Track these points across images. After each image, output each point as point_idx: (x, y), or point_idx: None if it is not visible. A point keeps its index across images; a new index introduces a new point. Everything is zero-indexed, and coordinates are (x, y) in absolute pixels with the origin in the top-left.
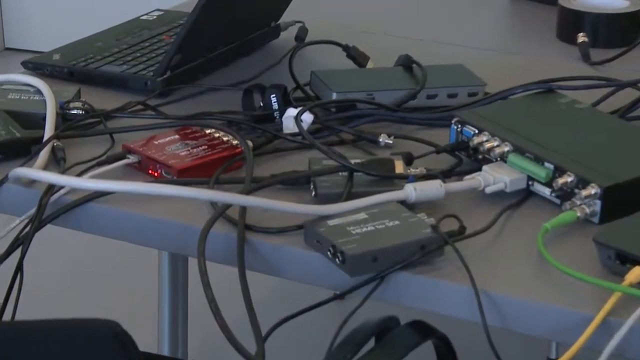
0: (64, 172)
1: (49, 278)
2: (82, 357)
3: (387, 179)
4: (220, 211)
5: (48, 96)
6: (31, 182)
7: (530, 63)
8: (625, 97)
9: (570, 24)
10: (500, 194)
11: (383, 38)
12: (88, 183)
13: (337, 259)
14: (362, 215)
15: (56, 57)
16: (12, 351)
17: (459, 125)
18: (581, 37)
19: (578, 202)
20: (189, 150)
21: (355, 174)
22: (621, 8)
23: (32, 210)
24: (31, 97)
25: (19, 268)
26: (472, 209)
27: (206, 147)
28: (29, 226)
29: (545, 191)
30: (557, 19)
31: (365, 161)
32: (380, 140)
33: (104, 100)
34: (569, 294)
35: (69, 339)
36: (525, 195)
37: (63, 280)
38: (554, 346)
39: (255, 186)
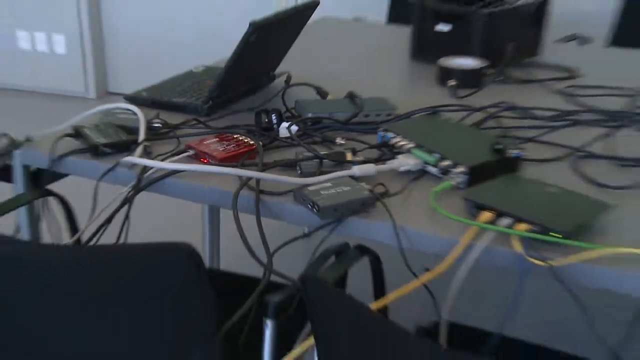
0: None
1: (143, 224)
2: (165, 270)
3: (342, 163)
4: (244, 182)
5: (140, 116)
6: (132, 166)
7: (422, 97)
8: (476, 116)
9: (445, 75)
10: (408, 173)
11: (336, 81)
12: (167, 165)
13: (314, 209)
14: (328, 184)
15: (144, 93)
16: (116, 265)
17: (383, 132)
18: (451, 82)
19: (453, 177)
20: (224, 147)
21: (323, 160)
22: (472, 65)
23: (133, 182)
24: (130, 117)
25: (127, 217)
26: (392, 181)
27: (234, 145)
28: (132, 191)
29: (434, 170)
30: (437, 72)
31: (328, 152)
32: (337, 141)
33: (173, 118)
34: (448, 229)
35: (157, 256)
36: (422, 173)
37: (151, 225)
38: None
39: (264, 167)
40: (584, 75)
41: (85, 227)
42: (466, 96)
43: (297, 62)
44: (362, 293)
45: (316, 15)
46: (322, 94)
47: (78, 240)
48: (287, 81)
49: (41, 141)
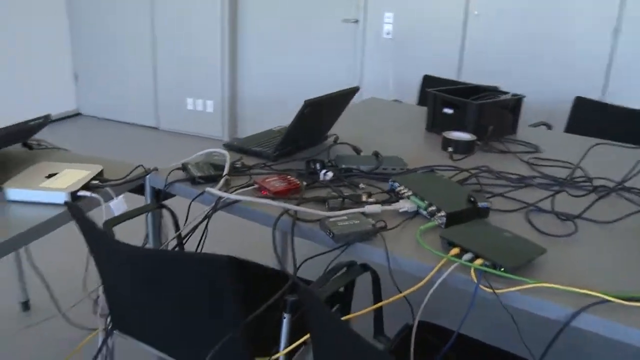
0: (228, 191)
1: (216, 235)
2: (209, 273)
3: (358, 202)
4: (284, 211)
5: (227, 158)
6: (214, 194)
7: (428, 158)
8: (463, 175)
9: (446, 143)
10: (405, 213)
11: (371, 142)
12: (230, 196)
13: (331, 235)
14: (344, 218)
15: (235, 142)
16: (178, 265)
17: (392, 182)
18: (449, 149)
19: (437, 218)
20: (280, 184)
21: (345, 199)
22: (466, 138)
23: (213, 204)
24: (222, 158)
25: (206, 227)
26: (393, 218)
27: (286, 183)
28: (211, 211)
29: (424, 213)
30: (441, 141)
31: (350, 194)
32: (360, 186)
33: (251, 161)
34: (426, 257)
35: (205, 263)
36: (416, 214)
37: (222, 234)
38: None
39: (303, 201)
40: (544, 151)
41: (179, 232)
42: (459, 160)
43: (346, 128)
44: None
45: (366, 95)
46: (357, 150)
47: (179, 237)
48: (335, 140)
49: (162, 171)
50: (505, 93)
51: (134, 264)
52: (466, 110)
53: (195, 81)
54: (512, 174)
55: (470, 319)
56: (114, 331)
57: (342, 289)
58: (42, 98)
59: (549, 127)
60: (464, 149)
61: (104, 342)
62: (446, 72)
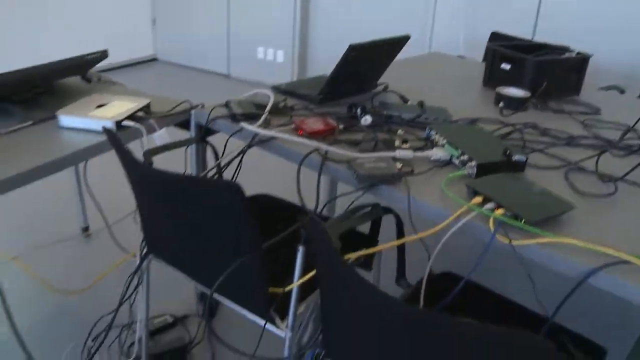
0: (266, 129)
1: (252, 173)
2: (223, 198)
3: (390, 148)
4: (314, 149)
5: (271, 98)
6: (249, 130)
7: (477, 112)
8: (506, 130)
9: (498, 98)
10: (436, 161)
11: (422, 95)
12: (268, 131)
13: (355, 175)
14: (372, 160)
15: (283, 85)
16: (193, 189)
17: (429, 130)
18: (501, 104)
19: (467, 168)
20: (316, 125)
21: (378, 143)
22: (519, 94)
23: (249, 141)
24: (265, 98)
25: (240, 161)
26: (422, 166)
27: (324, 124)
28: (247, 146)
29: (456, 162)
30: (494, 96)
31: (383, 139)
32: (398, 132)
33: (295, 103)
34: (450, 205)
35: (218, 189)
36: (448, 163)
37: (254, 169)
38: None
39: (335, 142)
40: (606, 114)
41: (218, 162)
42: (508, 115)
43: (400, 79)
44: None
45: (431, 49)
46: (404, 99)
47: (218, 167)
48: (384, 89)
49: (207, 108)
50: (571, 51)
51: (161, 189)
52: (524, 66)
53: (266, 30)
54: (560, 131)
55: (493, 273)
56: (149, 255)
57: (367, 233)
58: (121, 42)
59: (621, 91)
60: (515, 105)
61: (139, 264)
62: (520, 31)
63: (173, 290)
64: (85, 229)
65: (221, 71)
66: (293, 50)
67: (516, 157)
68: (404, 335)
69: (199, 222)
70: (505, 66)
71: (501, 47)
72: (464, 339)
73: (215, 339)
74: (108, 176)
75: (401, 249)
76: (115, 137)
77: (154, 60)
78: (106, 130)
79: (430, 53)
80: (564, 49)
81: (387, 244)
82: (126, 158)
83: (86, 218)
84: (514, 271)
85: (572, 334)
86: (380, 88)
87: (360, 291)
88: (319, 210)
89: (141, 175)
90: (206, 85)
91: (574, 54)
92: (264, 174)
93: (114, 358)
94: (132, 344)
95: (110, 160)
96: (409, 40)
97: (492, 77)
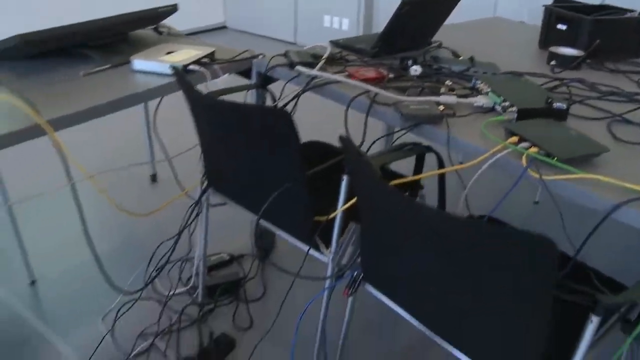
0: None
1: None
2: (273, 123)
3: (436, 93)
4: (364, 91)
5: (328, 50)
6: (307, 76)
7: (527, 69)
8: (553, 84)
9: (550, 57)
10: (479, 108)
11: (476, 53)
12: (321, 73)
13: (400, 114)
14: (416, 103)
15: (341, 40)
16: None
17: (476, 80)
18: (552, 62)
19: (508, 114)
20: (368, 73)
21: (424, 89)
22: (571, 53)
23: (304, 85)
24: (322, 50)
25: (295, 104)
26: (467, 110)
27: (375, 73)
28: (302, 89)
29: (498, 108)
30: (547, 55)
31: (429, 85)
32: (446, 82)
33: (351, 56)
34: (487, 144)
35: (270, 115)
36: (490, 110)
37: (309, 120)
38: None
39: (384, 87)
40: None
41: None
42: (558, 72)
43: (455, 39)
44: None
45: (494, 14)
46: (455, 55)
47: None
48: (437, 46)
49: (267, 57)
50: (634, 11)
51: (221, 119)
52: (580, 26)
53: None
54: (609, 86)
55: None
56: (209, 188)
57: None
58: (193, 10)
59: None
60: (567, 63)
61: (200, 197)
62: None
63: (230, 231)
64: (152, 174)
65: (288, 39)
66: (358, 18)
67: (557, 105)
68: (440, 248)
69: (253, 150)
70: (562, 27)
71: (558, 7)
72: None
73: (268, 267)
74: (173, 120)
75: (442, 186)
76: (183, 75)
77: (223, 28)
78: (175, 69)
79: (491, 17)
80: (627, 10)
81: (428, 173)
82: (191, 93)
83: (153, 154)
84: (542, 212)
85: (598, 272)
86: (433, 45)
87: (398, 206)
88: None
89: (204, 106)
90: (272, 52)
91: (635, 14)
92: (314, 124)
93: (172, 284)
94: (190, 277)
95: (175, 105)
96: (474, 4)
97: (548, 39)
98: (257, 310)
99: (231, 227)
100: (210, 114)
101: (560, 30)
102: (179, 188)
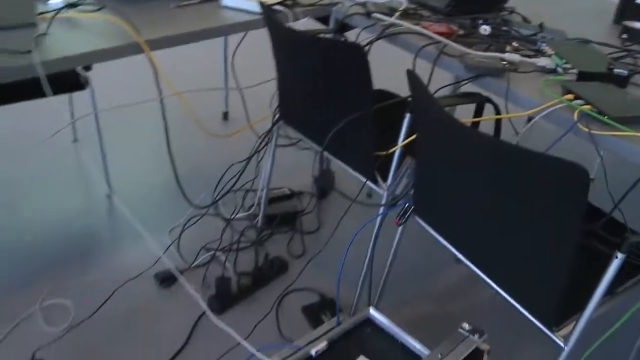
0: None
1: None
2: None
3: (501, 51)
4: (433, 42)
5: (403, 5)
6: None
7: (597, 38)
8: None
9: (623, 30)
10: (541, 68)
11: (539, 16)
12: (397, 20)
13: (464, 65)
14: (481, 56)
15: None
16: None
17: (541, 42)
18: (625, 35)
19: (568, 75)
20: (439, 27)
21: (490, 47)
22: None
23: (378, 33)
24: (399, 3)
25: (368, 50)
26: (527, 68)
27: (446, 28)
28: (376, 37)
29: (560, 70)
30: (621, 28)
31: (495, 43)
32: (513, 44)
33: (424, 12)
34: (541, 97)
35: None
36: (552, 71)
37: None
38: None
39: (453, 40)
40: None
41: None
42: (628, 45)
43: (530, 8)
44: None
45: None
46: (526, 21)
47: None
48: (511, 11)
49: (346, 5)
50: None
51: (300, 51)
52: None
53: None
54: None
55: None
56: (280, 120)
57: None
58: None
59: None
60: (638, 37)
61: (271, 127)
62: None
63: (294, 171)
64: (225, 111)
65: None
66: None
67: (618, 71)
68: (492, 177)
69: (325, 84)
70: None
71: None
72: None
73: (325, 205)
74: (250, 58)
75: (497, 134)
76: (268, 9)
77: None
78: (261, 4)
79: None
80: None
81: (486, 117)
82: (273, 24)
83: (227, 85)
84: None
85: (635, 231)
86: (505, 12)
87: (459, 137)
88: None
89: (285, 39)
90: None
91: None
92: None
93: (236, 208)
94: (252, 205)
95: (252, 47)
96: None
97: (625, 13)
98: (310, 242)
99: (295, 167)
100: (289, 47)
101: (638, 5)
102: (249, 122)
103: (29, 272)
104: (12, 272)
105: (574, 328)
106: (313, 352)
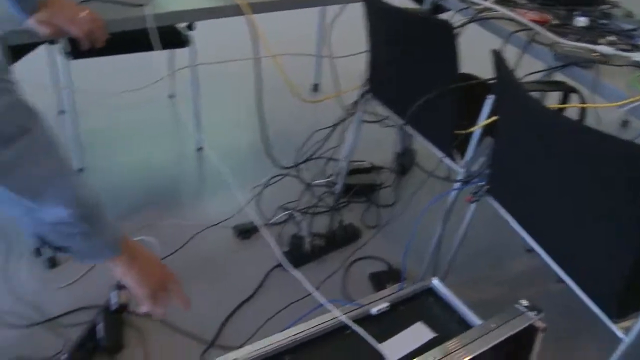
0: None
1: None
2: (433, 30)
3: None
4: (524, 28)
5: None
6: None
7: None
8: None
9: None
10: (637, 62)
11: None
12: (494, 5)
13: (554, 53)
14: (574, 46)
15: None
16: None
17: (638, 37)
18: None
19: None
20: (533, 15)
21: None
22: None
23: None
24: None
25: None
26: (619, 62)
27: (539, 17)
28: (468, 20)
29: None
30: None
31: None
32: (608, 38)
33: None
34: (632, 94)
35: (432, 26)
36: None
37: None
38: None
39: (546, 29)
40: None
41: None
42: None
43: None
44: None
45: None
46: (629, 16)
47: None
48: (613, 5)
49: None
50: None
51: (391, 26)
52: None
53: None
54: None
55: None
56: (368, 94)
57: None
58: None
59: None
60: None
61: (359, 99)
62: None
63: (376, 146)
64: (315, 83)
65: None
66: None
67: None
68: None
69: (414, 59)
70: None
71: None
72: None
73: (403, 182)
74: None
75: None
76: None
77: None
78: None
79: None
80: None
81: (572, 104)
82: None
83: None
84: None
85: None
86: (607, 5)
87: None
88: None
89: (379, 12)
90: None
91: None
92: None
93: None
94: (332, 174)
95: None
96: None
97: None
98: (385, 214)
99: (378, 143)
100: (383, 21)
101: None
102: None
103: (124, 209)
104: (109, 209)
105: (635, 322)
106: (374, 310)
